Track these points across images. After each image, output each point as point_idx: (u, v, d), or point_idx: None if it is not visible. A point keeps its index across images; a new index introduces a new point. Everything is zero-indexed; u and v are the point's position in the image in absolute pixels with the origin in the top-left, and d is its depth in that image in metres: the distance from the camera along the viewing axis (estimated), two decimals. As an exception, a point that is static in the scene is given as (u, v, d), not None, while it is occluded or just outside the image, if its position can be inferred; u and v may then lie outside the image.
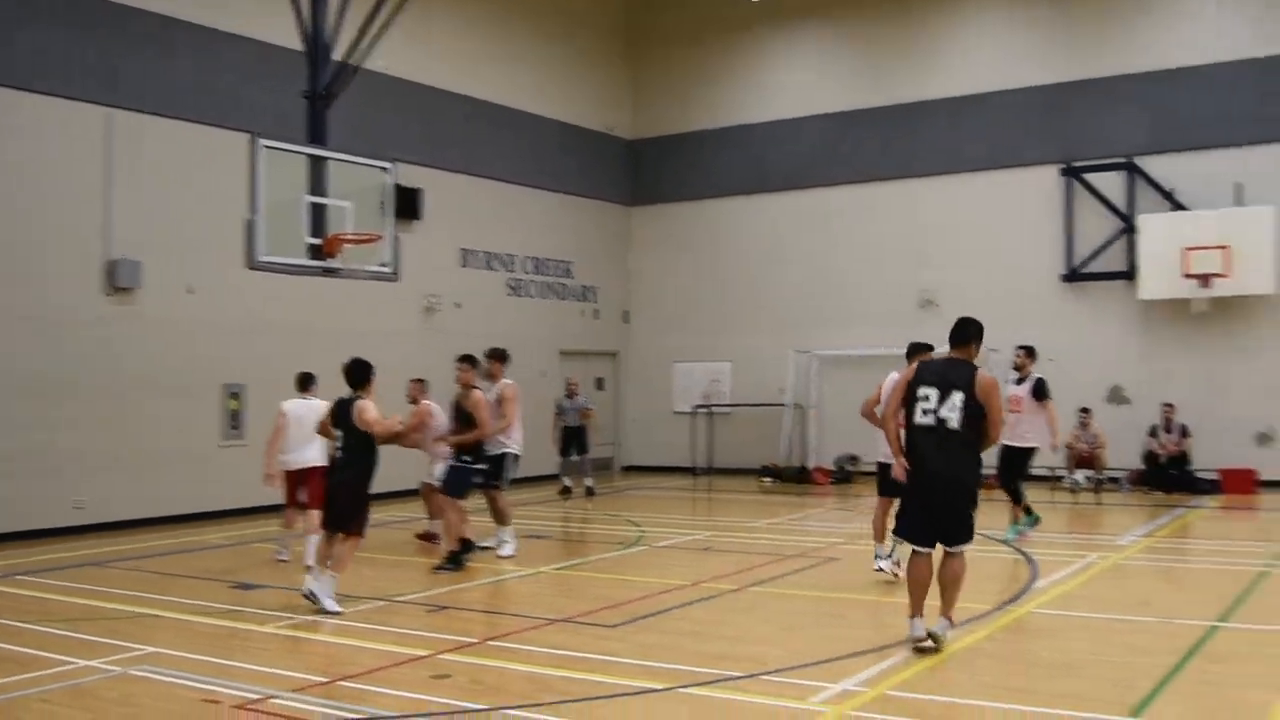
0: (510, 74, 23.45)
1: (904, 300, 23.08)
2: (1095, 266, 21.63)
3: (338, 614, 9.95)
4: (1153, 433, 20.35)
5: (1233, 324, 20.43)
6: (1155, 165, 21.19)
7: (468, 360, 13.06)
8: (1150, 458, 20.28)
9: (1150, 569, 13.01)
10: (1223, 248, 19.78)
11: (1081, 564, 12.58)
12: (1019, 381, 14.12)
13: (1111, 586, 11.55)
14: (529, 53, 23.98)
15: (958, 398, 8.29)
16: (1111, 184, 21.59)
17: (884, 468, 11.27)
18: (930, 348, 10.57)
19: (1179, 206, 20.84)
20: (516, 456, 13.67)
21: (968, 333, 8.65)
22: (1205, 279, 19.90)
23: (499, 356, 13.75)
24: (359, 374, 10.58)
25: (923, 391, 8.46)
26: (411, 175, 18.55)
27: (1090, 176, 21.74)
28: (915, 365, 8.86)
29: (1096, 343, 21.28)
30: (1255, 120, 20.39)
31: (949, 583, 8.45)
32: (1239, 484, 19.49)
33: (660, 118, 26.37)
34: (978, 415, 8.27)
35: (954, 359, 8.65)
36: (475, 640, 9.11)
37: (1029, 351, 14.34)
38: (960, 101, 22.98)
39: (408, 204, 19.90)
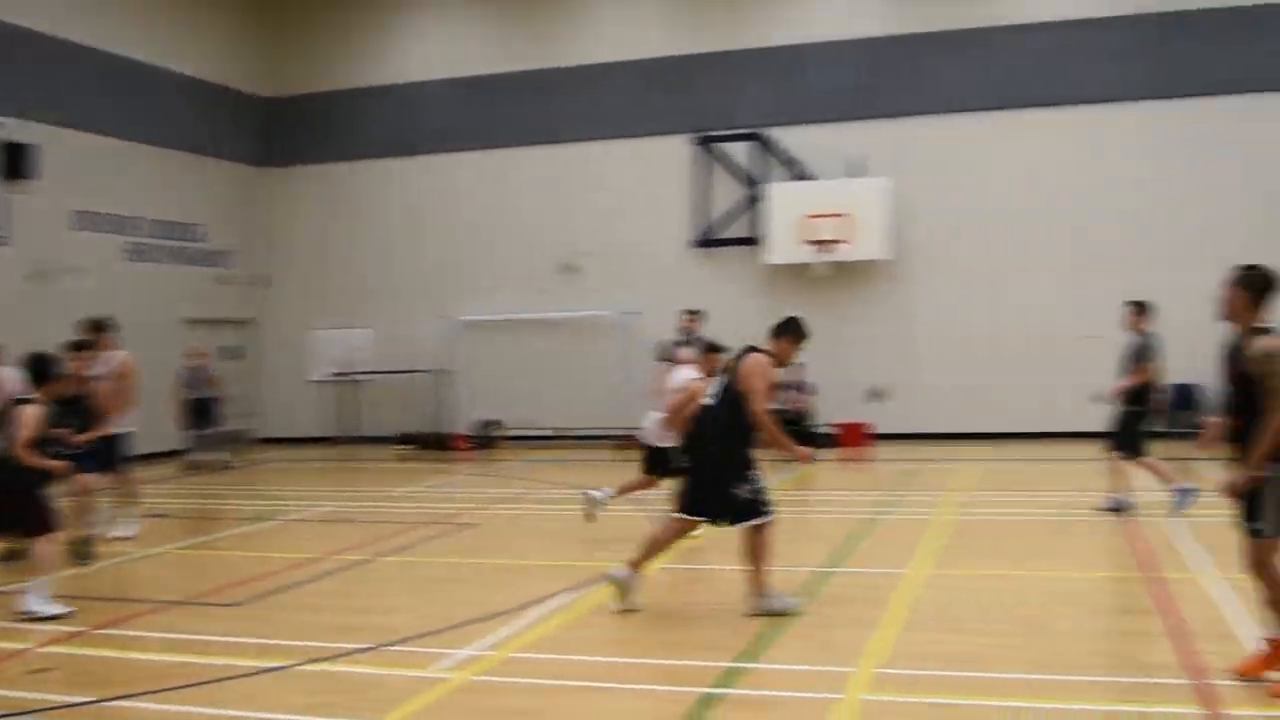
0: (134, 24, 21.91)
1: (545, 266, 23.28)
2: (725, 233, 22.50)
3: (57, 616, 8.81)
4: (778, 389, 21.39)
5: (850, 288, 21.73)
6: (782, 136, 22.19)
7: (82, 346, 11.88)
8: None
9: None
10: (842, 216, 20.99)
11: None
12: (689, 344, 13.88)
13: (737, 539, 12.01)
14: (155, 2, 22.55)
15: (722, 379, 8.78)
16: (741, 153, 22.48)
17: (648, 449, 11.87)
18: (721, 349, 10.67)
19: (803, 176, 21.95)
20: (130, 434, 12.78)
21: (781, 328, 8.95)
22: (826, 245, 21.06)
23: (104, 327, 12.55)
24: (37, 372, 9.29)
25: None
26: (23, 132, 17.17)
27: (721, 146, 22.57)
28: None
29: (725, 306, 21.91)
30: (874, 96, 21.70)
31: (747, 559, 8.62)
32: (854, 438, 20.77)
33: (299, 75, 25.36)
34: (734, 395, 8.57)
35: (753, 347, 8.90)
36: (83, 629, 8.51)
37: (693, 315, 14.11)
38: (595, 69, 23.28)
39: (18, 162, 18.49)
